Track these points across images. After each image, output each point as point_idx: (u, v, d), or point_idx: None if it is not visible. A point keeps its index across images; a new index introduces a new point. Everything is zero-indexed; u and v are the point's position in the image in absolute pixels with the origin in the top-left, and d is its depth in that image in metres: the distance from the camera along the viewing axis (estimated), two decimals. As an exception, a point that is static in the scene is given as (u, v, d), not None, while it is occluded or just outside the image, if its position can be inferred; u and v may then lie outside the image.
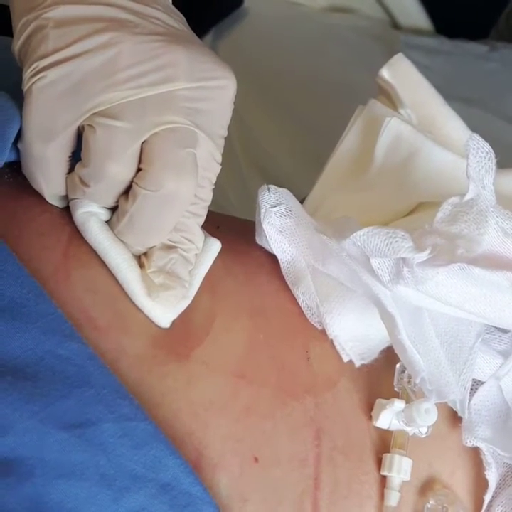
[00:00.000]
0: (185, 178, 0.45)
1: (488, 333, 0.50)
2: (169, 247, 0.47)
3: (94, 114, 0.44)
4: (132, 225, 0.46)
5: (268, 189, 0.50)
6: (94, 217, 0.47)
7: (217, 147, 0.47)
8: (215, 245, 0.50)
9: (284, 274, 0.51)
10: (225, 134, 0.48)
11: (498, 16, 1.14)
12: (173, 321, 0.47)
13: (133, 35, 0.44)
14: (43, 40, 0.44)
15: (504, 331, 0.51)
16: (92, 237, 0.47)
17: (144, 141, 0.44)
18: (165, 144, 0.44)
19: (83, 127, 0.44)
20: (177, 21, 0.47)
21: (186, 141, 0.45)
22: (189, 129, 0.45)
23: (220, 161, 0.48)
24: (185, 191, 0.45)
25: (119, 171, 0.44)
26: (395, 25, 1.12)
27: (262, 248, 0.52)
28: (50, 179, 0.47)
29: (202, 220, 0.49)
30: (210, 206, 0.50)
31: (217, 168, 0.48)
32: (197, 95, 0.45)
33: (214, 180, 0.49)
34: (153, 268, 0.46)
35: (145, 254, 0.48)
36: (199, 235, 0.49)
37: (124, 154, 0.44)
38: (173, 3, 0.50)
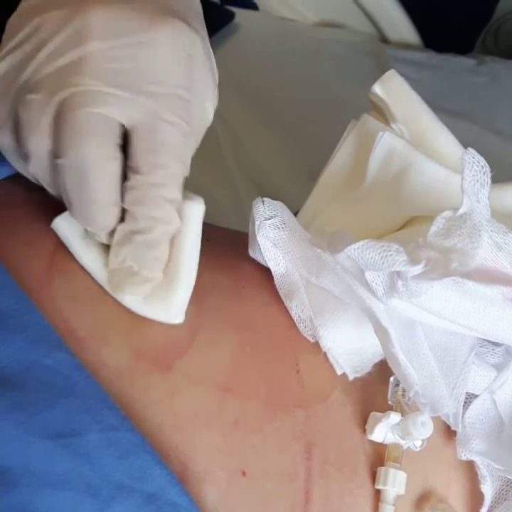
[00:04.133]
0: (87, 141, 0.43)
1: (481, 347, 0.51)
2: (128, 237, 0.45)
3: (20, 92, 0.44)
4: (68, 202, 0.45)
5: (262, 202, 0.50)
6: (65, 217, 0.46)
7: (163, 106, 0.44)
8: (195, 210, 0.47)
9: (277, 286, 0.51)
10: (175, 91, 0.45)
11: (481, 31, 1.15)
12: (155, 332, 0.46)
13: (56, 10, 0.44)
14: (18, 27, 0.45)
15: (497, 344, 0.51)
16: (63, 239, 0.46)
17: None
18: (68, 109, 0.43)
19: None
20: None
21: (93, 102, 0.43)
22: (99, 90, 0.43)
23: (173, 120, 0.45)
24: (92, 154, 0.43)
25: (37, 143, 0.44)
26: (384, 40, 1.14)
27: (253, 261, 0.52)
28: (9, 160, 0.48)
29: (169, 192, 0.45)
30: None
31: (173, 129, 0.45)
32: (115, 55, 0.44)
33: (173, 143, 0.45)
34: (111, 266, 0.46)
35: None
36: (166, 208, 0.45)
37: (39, 125, 0.44)
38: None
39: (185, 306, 0.47)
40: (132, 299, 0.46)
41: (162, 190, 0.45)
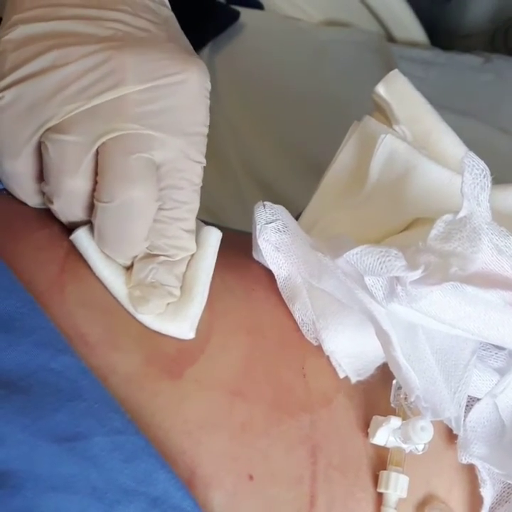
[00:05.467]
0: (136, 185, 0.44)
1: (484, 350, 0.50)
2: (151, 257, 0.47)
3: (48, 130, 0.44)
4: (102, 238, 0.46)
5: (263, 206, 0.50)
6: (86, 230, 0.47)
7: (190, 145, 0.46)
8: (214, 235, 0.49)
9: (280, 290, 0.51)
10: (201, 130, 0.47)
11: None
12: (167, 340, 0.46)
13: (81, 46, 0.44)
14: (2, 62, 0.44)
15: (500, 347, 0.50)
16: (82, 250, 0.47)
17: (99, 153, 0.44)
18: (112, 153, 0.44)
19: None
20: (147, 21, 0.47)
21: (136, 146, 0.44)
22: (140, 133, 0.44)
23: (199, 159, 0.47)
24: (141, 198, 0.44)
25: (75, 185, 0.44)
26: (391, 39, 1.13)
27: (258, 261, 0.52)
28: (26, 192, 0.48)
29: (188, 224, 0.47)
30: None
31: (197, 167, 0.47)
32: (150, 96, 0.45)
33: (197, 181, 0.47)
34: (133, 282, 0.46)
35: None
36: (186, 238, 0.47)
37: (77, 168, 0.44)
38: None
39: (197, 322, 0.47)
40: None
41: (183, 224, 0.47)
